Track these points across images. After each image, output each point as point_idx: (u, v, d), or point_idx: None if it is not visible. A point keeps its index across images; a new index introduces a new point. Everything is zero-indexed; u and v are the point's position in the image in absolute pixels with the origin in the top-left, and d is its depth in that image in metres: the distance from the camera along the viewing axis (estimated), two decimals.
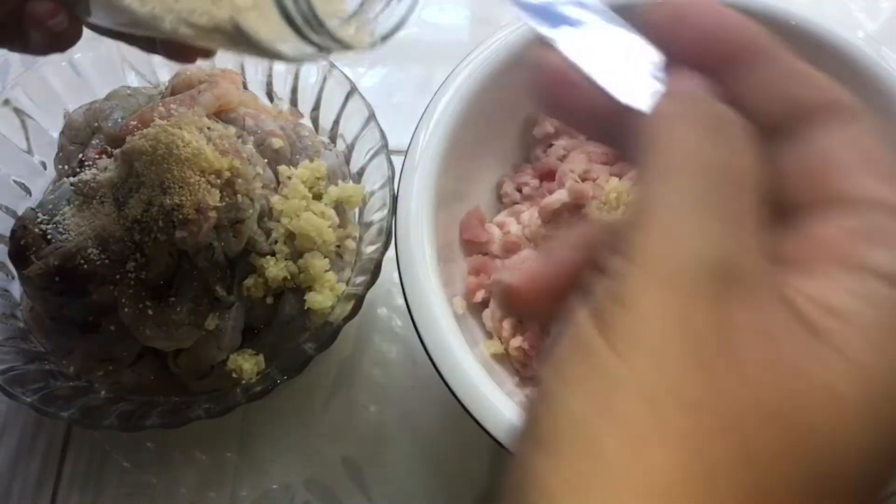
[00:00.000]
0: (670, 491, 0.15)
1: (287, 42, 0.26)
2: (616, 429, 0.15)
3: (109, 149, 0.46)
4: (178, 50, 0.36)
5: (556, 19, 0.20)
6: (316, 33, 0.25)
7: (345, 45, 0.26)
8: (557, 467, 0.16)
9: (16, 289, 0.48)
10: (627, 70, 0.20)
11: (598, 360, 0.16)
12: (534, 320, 0.32)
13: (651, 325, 0.16)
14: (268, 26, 0.26)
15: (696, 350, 0.16)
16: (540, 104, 0.21)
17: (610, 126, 0.20)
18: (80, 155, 0.46)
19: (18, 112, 0.50)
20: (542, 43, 0.20)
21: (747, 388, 0.16)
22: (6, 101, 0.49)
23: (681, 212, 0.17)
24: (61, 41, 0.34)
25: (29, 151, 0.51)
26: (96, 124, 0.48)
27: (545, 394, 0.17)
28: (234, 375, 0.44)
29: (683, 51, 0.19)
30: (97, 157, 0.45)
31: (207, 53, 0.39)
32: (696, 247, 0.16)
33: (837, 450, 0.16)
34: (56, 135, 0.50)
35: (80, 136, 0.48)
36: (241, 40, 0.27)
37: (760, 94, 0.19)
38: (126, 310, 0.43)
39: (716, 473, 0.15)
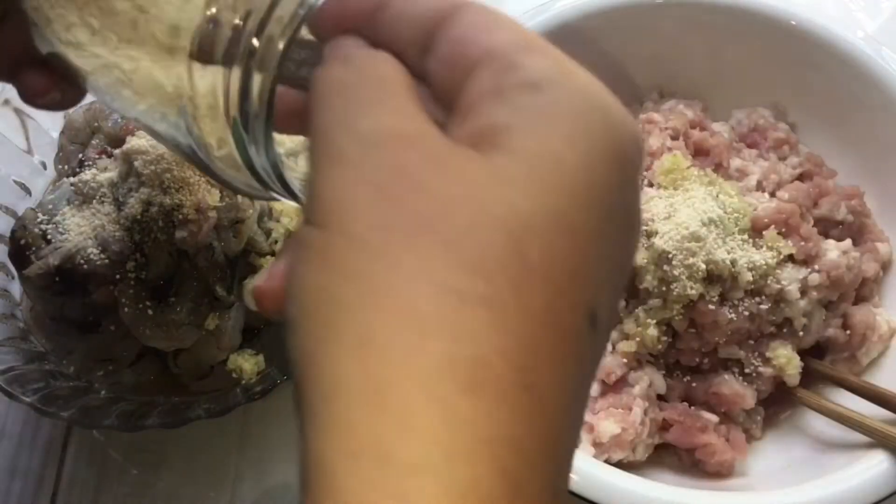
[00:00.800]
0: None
1: (245, 182, 0.25)
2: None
3: (109, 149, 0.46)
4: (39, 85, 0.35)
5: None
6: (275, 188, 0.24)
7: (295, 198, 0.25)
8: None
9: (16, 289, 0.48)
10: None
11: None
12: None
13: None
14: (231, 165, 0.25)
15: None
16: None
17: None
18: (80, 155, 0.46)
19: (18, 112, 0.50)
20: None
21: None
22: (6, 102, 0.49)
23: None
24: (59, 107, 0.32)
25: (29, 151, 0.51)
26: (96, 124, 0.48)
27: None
28: (234, 375, 0.44)
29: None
30: (97, 157, 0.45)
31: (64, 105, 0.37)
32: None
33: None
34: (56, 135, 0.50)
35: (80, 136, 0.48)
36: (193, 157, 0.26)
37: (394, 31, 0.21)
38: (126, 310, 0.43)
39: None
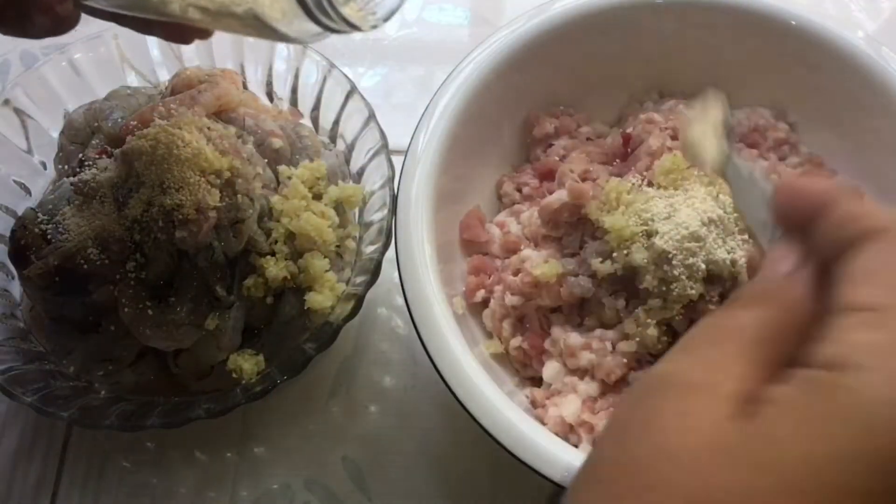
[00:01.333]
0: None
1: (293, 23, 0.27)
2: None
3: (109, 149, 0.46)
4: (176, 31, 0.36)
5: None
6: (326, 15, 0.26)
7: (351, 26, 0.27)
8: None
9: (16, 289, 0.48)
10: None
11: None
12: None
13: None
14: (276, 7, 0.26)
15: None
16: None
17: None
18: (80, 155, 0.46)
19: (18, 112, 0.50)
20: None
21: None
22: (6, 101, 0.49)
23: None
24: (63, 25, 0.34)
25: (29, 151, 0.51)
26: (96, 124, 0.48)
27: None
28: (234, 375, 0.44)
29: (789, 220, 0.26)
30: (97, 157, 0.45)
31: (205, 34, 0.39)
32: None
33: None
34: (56, 135, 0.50)
35: (80, 136, 0.48)
36: (252, 23, 0.27)
37: (823, 244, 0.24)
38: (126, 310, 0.43)
39: None
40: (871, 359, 0.20)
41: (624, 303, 0.42)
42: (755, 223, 0.30)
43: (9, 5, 0.32)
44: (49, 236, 0.44)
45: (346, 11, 0.27)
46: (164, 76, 0.53)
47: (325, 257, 0.45)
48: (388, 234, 0.44)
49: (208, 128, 0.44)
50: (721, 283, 0.41)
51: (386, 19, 0.29)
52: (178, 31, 0.36)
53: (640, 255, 0.40)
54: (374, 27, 0.29)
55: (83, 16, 0.35)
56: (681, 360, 0.23)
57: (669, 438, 0.20)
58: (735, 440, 0.20)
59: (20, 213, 0.48)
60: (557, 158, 0.49)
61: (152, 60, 0.53)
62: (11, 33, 0.34)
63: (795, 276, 0.24)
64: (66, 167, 0.48)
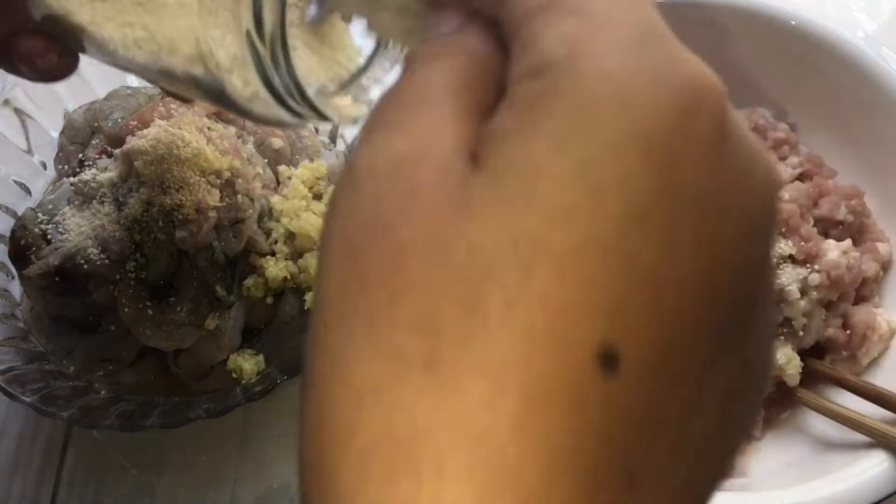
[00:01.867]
0: None
1: (265, 107, 0.25)
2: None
3: (109, 149, 0.46)
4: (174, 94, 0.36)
5: None
6: (297, 104, 0.24)
7: (326, 118, 0.25)
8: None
9: (16, 289, 0.48)
10: None
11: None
12: None
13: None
14: (248, 88, 0.25)
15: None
16: None
17: None
18: (80, 155, 0.46)
19: (18, 112, 0.50)
20: None
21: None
22: (6, 101, 0.49)
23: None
24: (52, 75, 0.32)
25: (29, 151, 0.51)
26: (96, 124, 0.48)
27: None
28: (234, 375, 0.44)
29: None
30: (97, 157, 0.45)
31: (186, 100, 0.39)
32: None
33: None
34: (56, 135, 0.50)
35: (80, 136, 0.48)
36: (220, 98, 0.26)
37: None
38: (126, 310, 0.43)
39: None
40: (574, 44, 0.15)
41: None
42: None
43: None
44: (49, 236, 0.44)
45: (318, 102, 0.24)
46: None
47: None
48: None
49: (208, 128, 0.44)
50: None
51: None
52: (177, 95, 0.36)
53: None
54: (358, 120, 0.26)
55: None
56: (372, 140, 0.17)
57: (399, 230, 0.15)
58: (469, 193, 0.15)
59: (20, 213, 0.48)
60: None
61: None
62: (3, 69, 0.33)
63: (466, 30, 0.19)
64: (66, 167, 0.48)
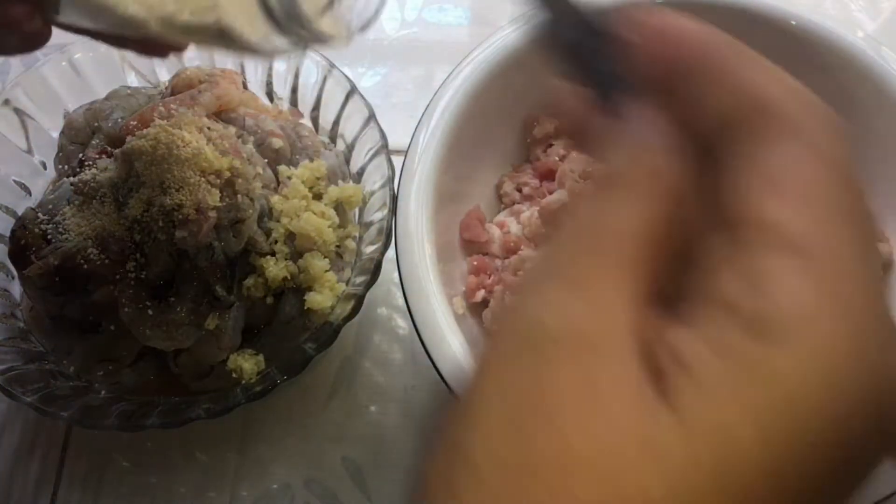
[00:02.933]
0: None
1: (264, 36, 0.26)
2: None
3: (109, 149, 0.46)
4: (150, 46, 0.36)
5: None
6: (295, 27, 0.25)
7: (322, 39, 0.26)
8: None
9: (16, 289, 0.48)
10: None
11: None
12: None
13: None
14: (247, 20, 0.25)
15: (509, 412, 0.16)
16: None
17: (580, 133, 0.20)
18: (80, 155, 0.46)
19: (18, 112, 0.50)
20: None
21: (554, 442, 0.16)
22: (6, 101, 0.49)
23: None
24: (32, 42, 0.33)
25: (29, 151, 0.51)
26: (96, 124, 0.48)
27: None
28: (234, 375, 0.44)
29: (647, 69, 0.19)
30: (97, 157, 0.45)
31: (180, 48, 0.39)
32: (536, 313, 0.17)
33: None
34: (56, 135, 0.50)
35: (80, 136, 0.48)
36: (221, 36, 0.27)
37: (693, 112, 0.19)
38: (126, 310, 0.43)
39: None
40: (799, 327, 0.16)
41: None
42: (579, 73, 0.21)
43: None
44: (49, 236, 0.44)
45: (314, 21, 0.25)
46: (164, 76, 0.53)
47: (325, 257, 0.45)
48: (388, 234, 0.44)
49: (208, 128, 0.44)
50: None
51: (362, 31, 0.28)
52: (153, 46, 0.35)
53: None
54: (350, 40, 0.27)
55: None
56: (559, 291, 0.17)
57: (576, 438, 0.15)
58: (654, 433, 0.15)
59: (20, 213, 0.48)
60: (557, 158, 0.49)
61: (152, 60, 0.53)
62: None
63: (672, 153, 0.18)
64: (66, 167, 0.48)
